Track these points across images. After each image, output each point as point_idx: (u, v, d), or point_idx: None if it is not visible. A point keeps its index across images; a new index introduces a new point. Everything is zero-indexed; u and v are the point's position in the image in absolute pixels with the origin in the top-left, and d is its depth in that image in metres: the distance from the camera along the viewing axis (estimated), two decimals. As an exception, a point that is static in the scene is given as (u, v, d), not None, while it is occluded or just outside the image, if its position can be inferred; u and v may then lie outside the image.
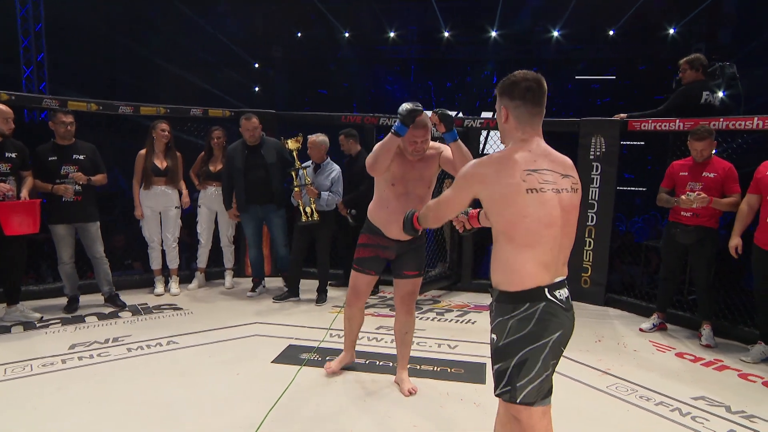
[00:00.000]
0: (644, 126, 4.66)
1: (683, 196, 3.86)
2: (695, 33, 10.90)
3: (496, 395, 1.77)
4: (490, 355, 1.81)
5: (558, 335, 1.70)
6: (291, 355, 3.58)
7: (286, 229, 4.95)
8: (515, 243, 1.71)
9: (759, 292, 3.70)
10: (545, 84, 1.78)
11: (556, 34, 12.46)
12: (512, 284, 1.71)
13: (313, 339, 3.86)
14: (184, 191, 4.93)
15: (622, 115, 4.85)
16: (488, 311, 4.95)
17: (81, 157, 4.27)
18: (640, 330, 4.30)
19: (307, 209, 4.46)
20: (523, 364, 1.68)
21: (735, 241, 3.69)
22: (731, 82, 4.59)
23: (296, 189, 4.45)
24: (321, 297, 4.78)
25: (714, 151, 4.04)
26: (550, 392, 1.78)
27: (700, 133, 3.88)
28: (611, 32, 11.82)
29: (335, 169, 4.65)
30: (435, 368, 3.43)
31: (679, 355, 3.84)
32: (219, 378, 3.22)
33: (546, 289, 1.70)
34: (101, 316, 4.30)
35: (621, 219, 7.05)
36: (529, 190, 1.69)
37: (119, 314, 4.36)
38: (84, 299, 4.55)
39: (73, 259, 4.35)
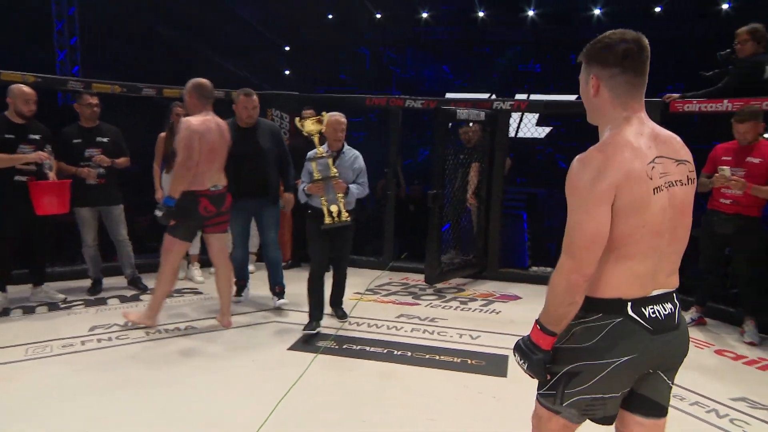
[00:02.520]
0: (688, 107, 4.37)
1: (717, 173, 3.62)
2: (751, 8, 10.33)
3: (539, 393, 1.58)
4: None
5: (627, 360, 1.41)
6: (308, 342, 3.55)
7: (278, 228, 4.34)
8: (613, 253, 1.41)
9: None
10: (648, 46, 1.43)
11: (597, 12, 12.00)
12: (591, 289, 1.45)
13: (332, 327, 3.81)
14: None
15: (673, 95, 4.51)
16: (513, 301, 4.82)
17: (105, 139, 4.32)
18: (678, 324, 4.08)
19: (333, 208, 3.55)
20: (575, 375, 1.46)
21: None
22: None
23: (317, 182, 3.56)
24: (341, 312, 4.01)
25: (763, 135, 3.76)
26: (602, 420, 1.51)
27: (742, 114, 3.68)
28: (657, 9, 11.31)
29: (357, 155, 3.79)
30: (455, 359, 3.34)
31: (719, 352, 3.64)
32: (234, 364, 3.22)
33: (629, 304, 1.42)
34: (123, 299, 4.36)
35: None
36: (655, 189, 1.38)
37: (140, 297, 4.41)
38: (108, 281, 4.63)
39: (96, 242, 4.42)
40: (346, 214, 3.60)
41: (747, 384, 3.15)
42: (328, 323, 3.87)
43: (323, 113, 3.66)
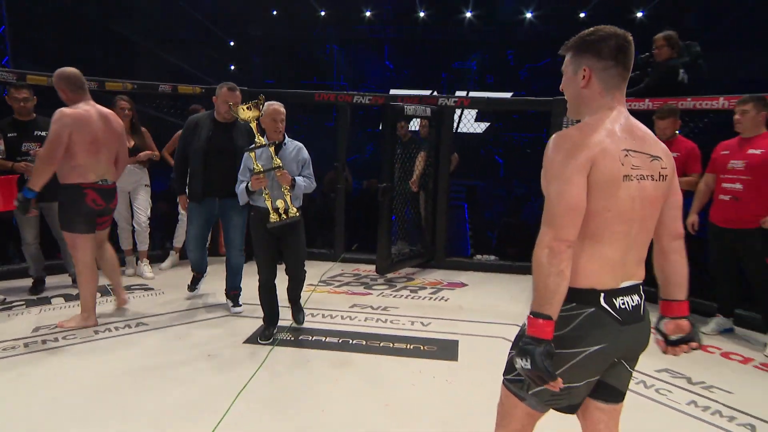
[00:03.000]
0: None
1: None
2: (662, 16, 10.99)
3: (506, 379, 1.52)
4: (514, 338, 1.52)
5: (596, 349, 1.39)
6: (263, 335, 3.43)
7: (244, 232, 3.85)
8: (584, 235, 1.38)
9: (714, 267, 3.72)
10: (633, 43, 1.43)
11: (529, 15, 12.36)
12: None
13: (286, 318, 3.71)
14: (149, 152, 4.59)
15: None
16: (460, 288, 4.86)
17: (43, 133, 3.96)
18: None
19: (279, 203, 3.14)
20: None
21: (692, 218, 3.72)
22: (697, 60, 4.53)
23: (258, 174, 3.07)
24: (300, 316, 3.58)
25: (677, 131, 3.99)
26: (566, 409, 1.49)
27: (662, 111, 3.90)
28: (582, 14, 11.78)
29: (300, 147, 3.32)
30: (408, 346, 3.34)
31: (644, 329, 3.83)
32: (189, 360, 3.07)
33: (602, 295, 1.40)
34: (68, 297, 4.07)
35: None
36: (625, 176, 1.37)
37: (88, 295, 4.14)
38: (51, 280, 4.31)
39: (37, 240, 4.09)
40: (294, 210, 3.15)
41: (668, 356, 3.33)
42: (283, 315, 3.77)
43: (260, 97, 3.21)
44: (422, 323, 3.75)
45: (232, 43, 13.69)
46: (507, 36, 12.82)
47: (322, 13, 13.12)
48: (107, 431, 2.34)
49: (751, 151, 3.42)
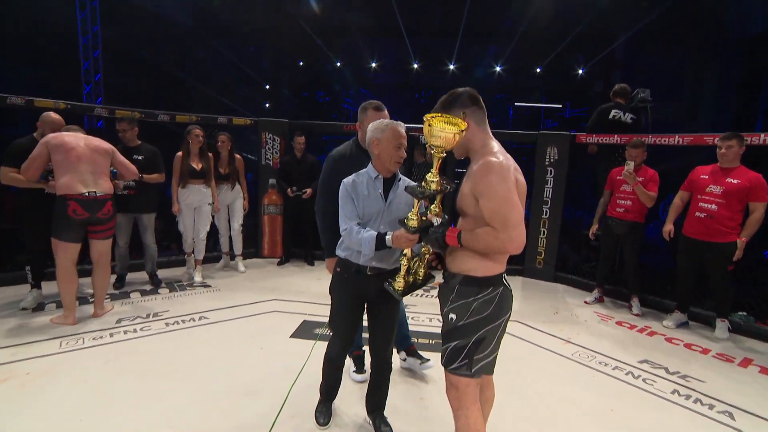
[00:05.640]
0: (589, 140, 4.32)
1: (626, 167, 3.61)
2: (596, 74, 10.98)
3: (451, 369, 1.48)
4: (442, 334, 1.52)
5: (507, 316, 1.50)
6: (306, 331, 3.12)
7: None
8: None
9: (682, 271, 3.44)
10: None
11: (498, 69, 12.24)
12: (480, 270, 1.44)
13: (324, 315, 3.39)
14: (216, 199, 4.16)
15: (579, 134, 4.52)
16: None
17: (140, 157, 3.69)
18: (585, 302, 4.00)
19: (414, 264, 1.70)
20: (482, 341, 1.45)
21: (668, 227, 3.45)
22: (640, 104, 4.32)
23: (414, 235, 1.59)
24: (386, 426, 2.03)
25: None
26: (490, 369, 1.57)
27: (634, 142, 3.70)
28: (538, 69, 11.69)
29: (407, 179, 1.92)
30: (430, 341, 3.04)
31: (619, 323, 3.57)
32: (246, 352, 2.76)
33: (503, 276, 1.49)
34: (143, 293, 3.74)
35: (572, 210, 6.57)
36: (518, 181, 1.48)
37: (158, 291, 3.80)
38: (132, 276, 3.99)
39: (127, 244, 3.80)
40: (423, 272, 1.71)
41: (645, 348, 3.08)
42: (320, 311, 3.45)
43: (463, 114, 1.49)
44: (438, 320, 3.45)
45: (267, 87, 13.47)
46: (482, 83, 12.68)
47: (338, 64, 12.99)
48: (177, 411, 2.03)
49: (729, 179, 3.18)
